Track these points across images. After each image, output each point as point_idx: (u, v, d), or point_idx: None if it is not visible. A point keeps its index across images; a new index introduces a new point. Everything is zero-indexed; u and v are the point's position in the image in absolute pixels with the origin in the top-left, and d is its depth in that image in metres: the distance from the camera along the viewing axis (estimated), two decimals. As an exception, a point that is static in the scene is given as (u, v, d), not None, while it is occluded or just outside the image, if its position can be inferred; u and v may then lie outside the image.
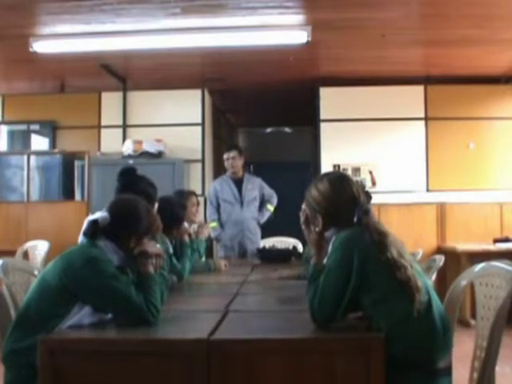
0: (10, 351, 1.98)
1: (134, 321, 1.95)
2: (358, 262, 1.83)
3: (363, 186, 2.12)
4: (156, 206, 2.94)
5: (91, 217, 2.34)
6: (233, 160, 5.29)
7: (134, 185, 2.84)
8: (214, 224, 5.26)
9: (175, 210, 3.31)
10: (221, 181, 5.45)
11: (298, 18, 4.49)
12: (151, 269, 2.12)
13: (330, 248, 1.96)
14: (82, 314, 1.96)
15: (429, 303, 1.83)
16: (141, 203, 2.26)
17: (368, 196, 2.06)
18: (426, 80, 6.33)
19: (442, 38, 4.96)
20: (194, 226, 4.09)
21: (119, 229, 2.14)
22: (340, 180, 2.08)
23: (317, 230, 2.04)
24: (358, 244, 1.87)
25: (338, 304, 1.84)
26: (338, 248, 1.91)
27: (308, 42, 4.67)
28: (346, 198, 2.01)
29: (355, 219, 1.95)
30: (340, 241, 1.92)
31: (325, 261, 1.96)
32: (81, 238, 2.50)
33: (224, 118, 8.71)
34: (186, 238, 3.55)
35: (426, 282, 1.91)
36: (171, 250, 3.20)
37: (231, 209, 5.29)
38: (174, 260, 3.26)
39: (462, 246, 5.64)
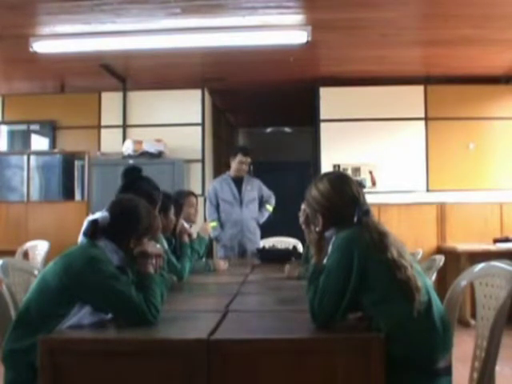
0: (10, 351, 1.98)
1: (133, 321, 1.95)
2: (357, 262, 1.83)
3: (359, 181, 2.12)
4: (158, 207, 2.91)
5: (91, 217, 2.34)
6: (246, 165, 5.32)
7: (137, 185, 2.82)
8: (213, 224, 5.25)
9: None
10: (220, 180, 5.45)
11: (297, 17, 4.49)
12: (151, 269, 2.13)
13: (330, 248, 1.96)
14: (81, 314, 1.96)
15: (429, 303, 1.83)
16: (141, 203, 2.26)
17: (361, 186, 2.05)
18: (426, 80, 6.33)
19: (442, 38, 4.96)
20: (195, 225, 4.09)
21: (119, 229, 2.14)
22: (340, 180, 2.08)
23: (317, 229, 2.05)
24: (358, 244, 1.87)
25: (338, 304, 1.84)
26: (337, 248, 1.91)
27: (308, 42, 4.67)
28: (346, 198, 2.01)
29: (355, 219, 1.95)
30: (340, 241, 1.92)
31: (325, 261, 1.96)
32: (81, 238, 2.49)
33: (224, 118, 8.71)
34: (186, 238, 3.55)
35: (426, 282, 1.91)
36: (166, 246, 3.17)
37: (231, 209, 5.28)
38: (174, 260, 3.25)
39: (462, 245, 5.64)
